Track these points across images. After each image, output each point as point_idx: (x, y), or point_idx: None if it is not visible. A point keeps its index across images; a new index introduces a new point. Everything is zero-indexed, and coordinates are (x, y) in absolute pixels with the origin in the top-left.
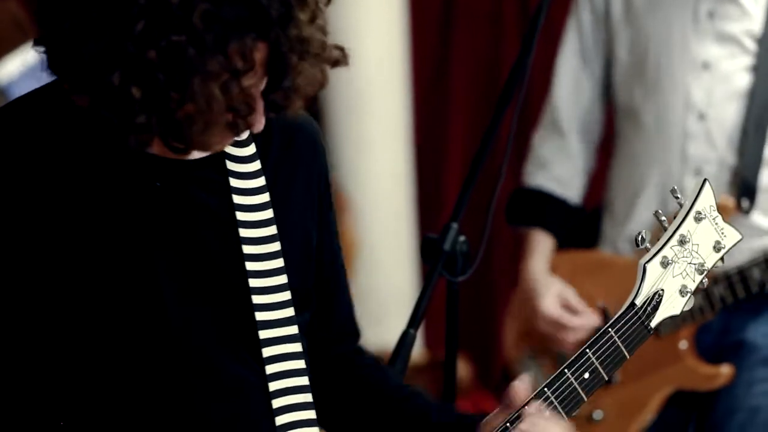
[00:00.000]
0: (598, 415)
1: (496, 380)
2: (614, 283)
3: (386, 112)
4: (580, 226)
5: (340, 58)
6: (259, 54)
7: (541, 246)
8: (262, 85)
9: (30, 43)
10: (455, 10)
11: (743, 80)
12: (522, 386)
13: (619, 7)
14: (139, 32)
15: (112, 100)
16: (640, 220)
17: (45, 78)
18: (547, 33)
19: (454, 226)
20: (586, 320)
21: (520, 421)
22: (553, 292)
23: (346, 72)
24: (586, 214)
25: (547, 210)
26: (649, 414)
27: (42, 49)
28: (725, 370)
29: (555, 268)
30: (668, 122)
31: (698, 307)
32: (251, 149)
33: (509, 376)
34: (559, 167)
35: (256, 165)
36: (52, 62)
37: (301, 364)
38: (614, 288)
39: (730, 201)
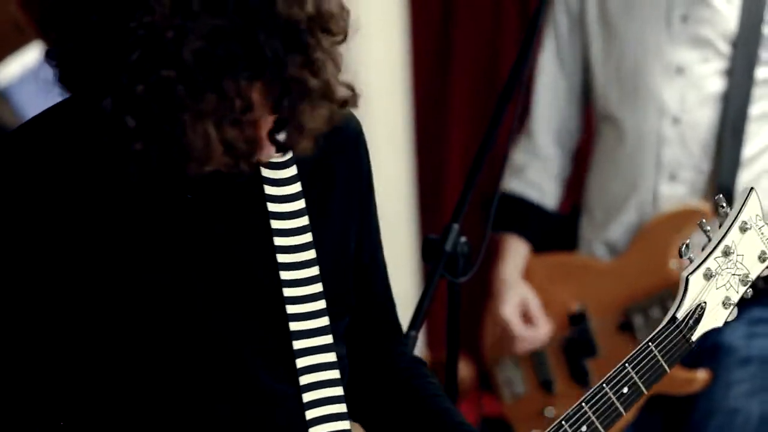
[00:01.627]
0: None
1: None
2: (591, 286)
3: (386, 112)
4: (557, 228)
5: (349, 99)
6: (256, 93)
7: (514, 251)
8: (269, 124)
9: (29, 46)
10: (455, 10)
11: (716, 84)
12: None
13: (594, 9)
14: (133, 63)
15: (108, 126)
16: (618, 225)
17: (46, 81)
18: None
19: (455, 227)
20: (537, 333)
21: None
22: (516, 298)
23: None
24: (563, 217)
25: (521, 215)
26: (626, 417)
27: (53, 62)
28: (701, 375)
29: (531, 271)
30: (643, 127)
31: None
32: (288, 154)
33: (488, 379)
34: (533, 172)
35: (292, 170)
36: (61, 75)
37: (335, 374)
38: (591, 291)
39: (706, 206)
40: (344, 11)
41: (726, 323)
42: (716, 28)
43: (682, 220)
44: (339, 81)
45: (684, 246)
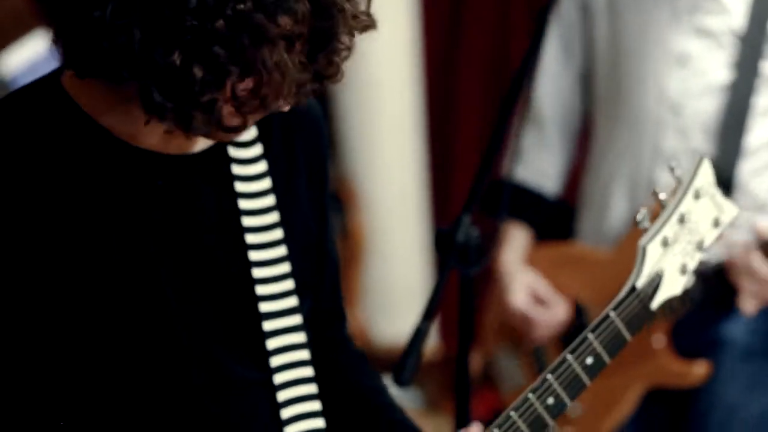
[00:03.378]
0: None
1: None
2: (589, 276)
3: (397, 105)
4: (560, 218)
5: (369, 23)
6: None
7: (516, 239)
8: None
9: (33, 36)
10: (464, 5)
11: (720, 75)
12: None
13: None
14: (198, 4)
15: (172, 83)
16: (615, 214)
17: (49, 70)
18: None
19: (467, 218)
20: (556, 314)
21: None
22: (524, 285)
23: (358, 65)
24: (567, 207)
25: (523, 202)
26: (623, 410)
27: (62, 46)
28: (699, 368)
29: (532, 261)
30: (642, 115)
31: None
32: (253, 133)
33: (487, 371)
34: (536, 159)
35: (258, 149)
36: (76, 56)
37: (305, 354)
38: (592, 280)
39: None
40: None
41: (725, 318)
42: (723, 20)
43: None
44: (365, 4)
45: (639, 216)
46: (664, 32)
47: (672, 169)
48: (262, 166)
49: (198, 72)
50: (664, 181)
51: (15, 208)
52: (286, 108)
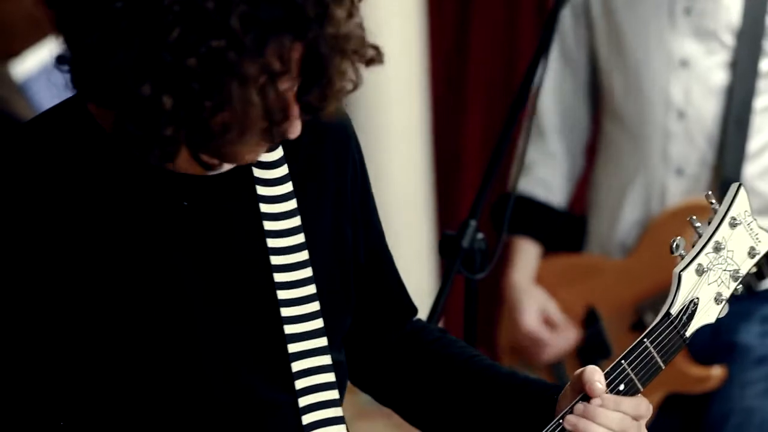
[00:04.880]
0: None
1: None
2: (602, 286)
3: (404, 110)
4: (569, 229)
5: (374, 57)
6: (296, 54)
7: (526, 254)
8: (295, 88)
9: (46, 40)
10: (472, 5)
11: (720, 77)
12: (600, 377)
13: (598, 4)
14: (175, 40)
15: (140, 112)
16: (626, 222)
17: (62, 77)
18: None
19: (473, 223)
20: (565, 337)
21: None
22: (534, 305)
23: (364, 71)
24: (575, 218)
25: (530, 216)
26: None
27: (65, 66)
28: (716, 372)
29: (543, 273)
30: (649, 122)
31: None
32: (278, 153)
33: None
34: (542, 170)
35: (283, 170)
36: (76, 79)
37: (330, 377)
38: (603, 291)
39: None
40: None
41: (740, 323)
42: (720, 19)
43: (690, 215)
44: (366, 38)
45: (674, 243)
46: (664, 37)
47: (708, 197)
48: (287, 187)
49: (167, 102)
50: (674, 188)
51: (41, 231)
52: (293, 135)
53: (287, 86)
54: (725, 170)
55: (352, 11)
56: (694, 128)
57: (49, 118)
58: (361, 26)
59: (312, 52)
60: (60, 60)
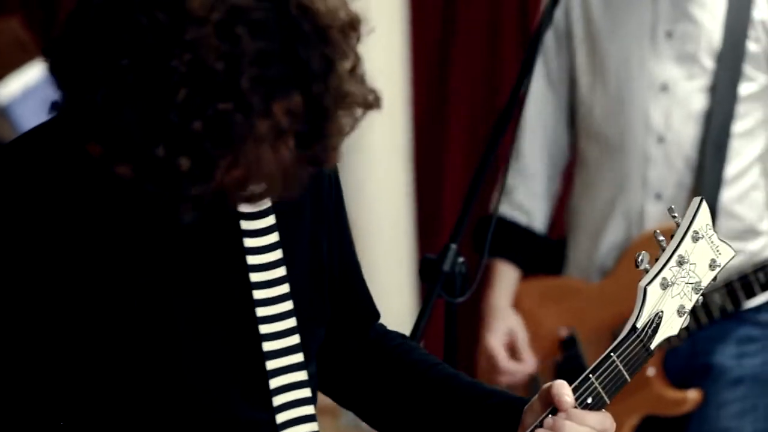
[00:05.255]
0: None
1: None
2: (580, 308)
3: (385, 130)
4: (548, 253)
5: (373, 103)
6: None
7: (504, 277)
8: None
9: (31, 63)
10: (455, 25)
11: (700, 101)
12: (568, 390)
13: (580, 27)
14: (182, 101)
15: (159, 173)
16: (606, 246)
17: (47, 98)
18: None
19: (453, 247)
20: (522, 368)
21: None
22: (503, 327)
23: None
24: (553, 242)
25: (511, 240)
26: None
27: (66, 115)
28: (692, 395)
29: (521, 295)
30: (629, 145)
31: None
32: None
33: None
34: (521, 194)
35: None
36: (86, 131)
37: (307, 392)
38: (580, 314)
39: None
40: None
41: (715, 345)
42: (701, 43)
43: (667, 238)
44: (365, 84)
45: (639, 257)
46: (645, 62)
47: (670, 210)
48: (265, 203)
49: (184, 164)
50: (653, 211)
51: (26, 252)
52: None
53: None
54: (702, 194)
55: (356, 65)
56: (673, 152)
57: (33, 138)
58: (363, 79)
59: (316, 106)
60: (55, 107)
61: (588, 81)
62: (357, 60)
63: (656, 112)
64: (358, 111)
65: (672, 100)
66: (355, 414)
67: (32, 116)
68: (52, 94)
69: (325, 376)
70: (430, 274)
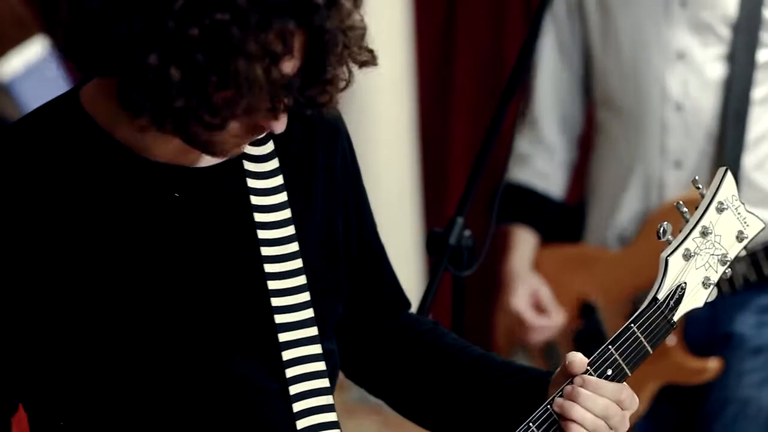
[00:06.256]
0: None
1: None
2: (600, 276)
3: (390, 107)
4: (565, 220)
5: (369, 60)
6: (298, 42)
7: (523, 242)
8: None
9: (32, 40)
10: (459, 7)
11: (717, 70)
12: (578, 356)
13: None
14: (180, 9)
15: (148, 83)
16: (625, 214)
17: (48, 75)
18: None
19: (460, 220)
20: (551, 322)
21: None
22: (526, 288)
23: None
24: (570, 208)
25: (528, 205)
26: (638, 409)
27: (60, 37)
28: (712, 364)
29: (540, 263)
30: (646, 114)
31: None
32: (269, 147)
33: None
34: (539, 161)
35: (274, 163)
36: (72, 50)
37: (321, 366)
38: (600, 281)
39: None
40: None
41: (736, 314)
42: (716, 11)
43: (689, 207)
44: (366, 35)
45: (661, 228)
46: (660, 29)
47: (694, 182)
48: (278, 180)
49: (175, 74)
50: (673, 180)
51: (34, 223)
52: (279, 130)
53: (290, 71)
54: (724, 162)
55: (357, 4)
56: (692, 121)
57: (43, 114)
58: (362, 21)
59: (316, 40)
60: (54, 29)
61: (601, 50)
62: (359, 2)
63: (673, 80)
64: (354, 61)
65: (688, 68)
66: (385, 401)
67: (34, 93)
68: (53, 71)
69: (354, 363)
70: (437, 248)
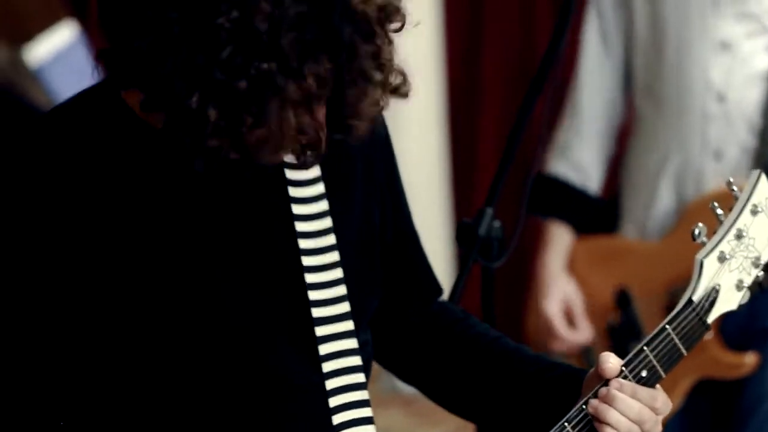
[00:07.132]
0: None
1: None
2: (636, 268)
3: (419, 99)
4: (601, 213)
5: (400, 86)
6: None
7: (559, 239)
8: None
9: (60, 25)
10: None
11: (763, 62)
12: (612, 358)
13: None
14: (227, 58)
15: (186, 122)
16: (662, 205)
17: (77, 61)
18: (580, 17)
19: (489, 211)
20: (578, 336)
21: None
22: (560, 293)
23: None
24: (605, 202)
25: (565, 201)
26: (673, 403)
27: (110, 63)
28: (749, 358)
29: (577, 254)
30: (688, 104)
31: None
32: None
33: None
34: (578, 152)
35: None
36: (123, 77)
37: (357, 360)
38: (636, 273)
39: None
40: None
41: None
42: (763, 2)
43: (727, 200)
44: (395, 68)
45: (696, 230)
46: (706, 19)
47: (729, 184)
48: (315, 171)
49: (212, 115)
50: (712, 171)
51: (76, 214)
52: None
53: (322, 117)
54: (765, 156)
55: (382, 47)
56: (734, 112)
57: (79, 100)
58: (391, 53)
59: (342, 75)
60: (103, 56)
61: (646, 38)
62: (388, 35)
63: (716, 71)
64: (386, 89)
65: (733, 59)
66: (418, 389)
67: (63, 79)
68: (82, 56)
69: (386, 350)
70: (467, 239)
